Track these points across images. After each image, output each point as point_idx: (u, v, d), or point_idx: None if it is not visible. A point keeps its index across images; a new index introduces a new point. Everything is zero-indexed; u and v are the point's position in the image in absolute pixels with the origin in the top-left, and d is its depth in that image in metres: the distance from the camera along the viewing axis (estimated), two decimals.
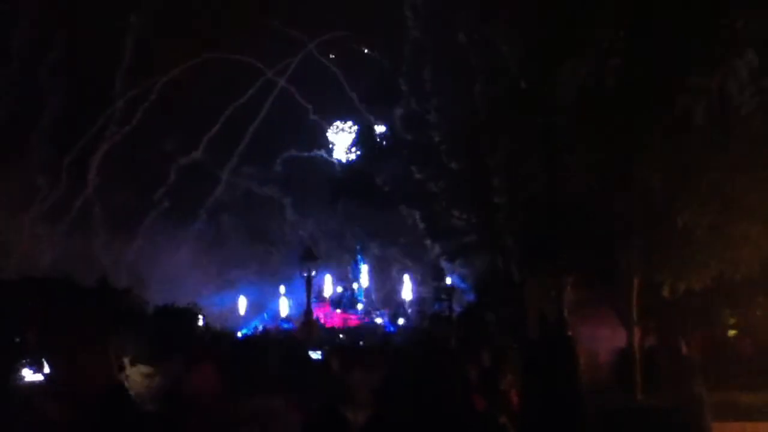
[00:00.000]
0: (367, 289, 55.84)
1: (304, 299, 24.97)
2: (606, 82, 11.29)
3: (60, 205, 52.36)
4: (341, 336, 37.00)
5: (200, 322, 44.20)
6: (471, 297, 40.44)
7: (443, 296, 34.21)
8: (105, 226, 52.93)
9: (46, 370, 10.84)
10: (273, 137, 55.24)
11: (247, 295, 57.06)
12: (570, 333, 15.07)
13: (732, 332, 19.98)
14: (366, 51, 51.12)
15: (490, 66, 19.05)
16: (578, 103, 11.41)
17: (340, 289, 55.98)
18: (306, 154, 55.36)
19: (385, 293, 56.50)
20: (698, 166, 12.02)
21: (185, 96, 50.41)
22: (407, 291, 54.91)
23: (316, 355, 19.13)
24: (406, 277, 56.16)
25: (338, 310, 53.81)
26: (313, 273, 22.41)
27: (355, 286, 55.61)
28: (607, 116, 11.71)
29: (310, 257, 20.55)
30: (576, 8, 10.35)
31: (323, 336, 39.96)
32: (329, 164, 54.67)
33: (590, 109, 11.39)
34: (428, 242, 30.98)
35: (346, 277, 56.35)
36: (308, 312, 22.51)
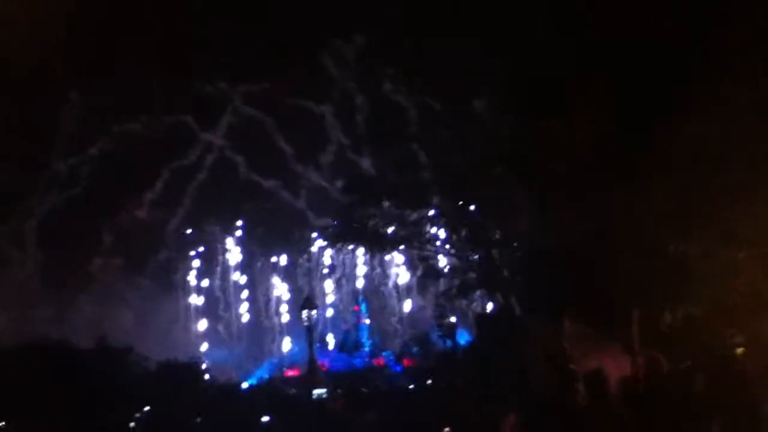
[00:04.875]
0: (371, 330, 55.59)
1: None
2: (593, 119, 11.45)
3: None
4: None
5: (204, 375, 43.87)
6: (472, 334, 40.23)
7: (446, 333, 33.98)
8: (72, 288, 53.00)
9: None
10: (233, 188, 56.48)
11: (248, 342, 56.95)
12: (573, 366, 15.05)
13: (740, 350, 19.80)
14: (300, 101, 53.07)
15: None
16: (564, 146, 11.58)
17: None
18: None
19: (389, 333, 56.35)
20: (686, 196, 12.14)
21: (125, 158, 52.15)
22: (410, 330, 54.76)
23: (320, 390, 18.96)
24: (409, 315, 56.13)
25: (343, 354, 53.48)
26: (314, 318, 22.32)
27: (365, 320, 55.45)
28: (594, 153, 11.87)
29: (310, 305, 20.48)
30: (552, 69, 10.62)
31: (327, 381, 39.62)
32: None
33: (577, 149, 11.57)
34: (428, 281, 30.92)
35: (349, 320, 56.22)
36: (311, 360, 22.39)
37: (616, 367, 17.71)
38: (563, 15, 11.76)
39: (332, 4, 48.42)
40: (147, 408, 34.27)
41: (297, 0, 50.40)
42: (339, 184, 51.01)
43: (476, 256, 21.29)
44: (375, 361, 52.29)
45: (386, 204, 21.04)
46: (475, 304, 37.33)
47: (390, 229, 21.65)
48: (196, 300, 57.60)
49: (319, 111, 56.08)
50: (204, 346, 54.70)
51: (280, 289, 58.28)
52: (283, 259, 58.46)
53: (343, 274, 58.63)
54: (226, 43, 50.02)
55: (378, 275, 57.96)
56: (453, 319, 31.36)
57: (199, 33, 49.34)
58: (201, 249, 58.38)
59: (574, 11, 11.75)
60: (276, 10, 49.89)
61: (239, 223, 58.66)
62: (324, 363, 48.46)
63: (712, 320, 16.78)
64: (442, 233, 23.12)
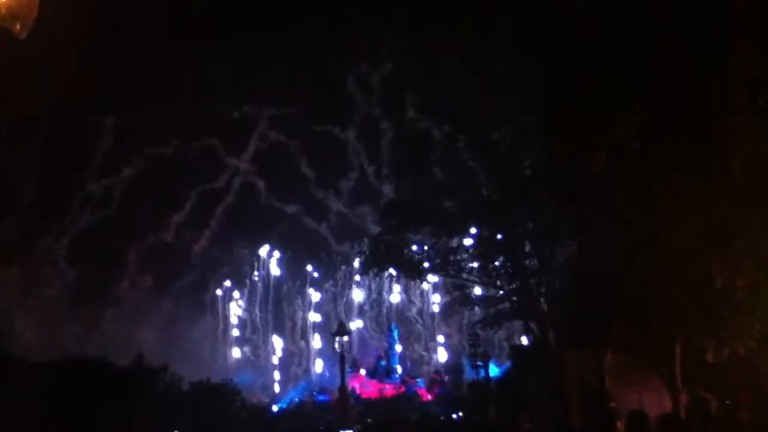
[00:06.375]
0: (402, 356, 55.15)
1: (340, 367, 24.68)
2: (630, 148, 11.30)
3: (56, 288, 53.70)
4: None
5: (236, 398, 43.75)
6: (501, 365, 39.56)
7: (479, 363, 33.51)
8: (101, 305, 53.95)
9: None
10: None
11: (277, 364, 57.03)
12: (613, 404, 14.72)
13: None
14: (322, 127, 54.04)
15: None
16: (604, 176, 11.41)
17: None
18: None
19: (421, 360, 55.90)
20: (731, 226, 11.81)
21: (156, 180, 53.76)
22: (443, 358, 54.22)
23: None
24: (442, 344, 55.62)
25: (374, 380, 53.01)
26: (347, 346, 22.12)
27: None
28: (636, 185, 11.67)
29: (342, 332, 20.34)
30: (587, 99, 10.52)
31: (358, 410, 39.26)
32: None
33: (617, 181, 11.38)
34: (462, 309, 30.61)
35: (380, 346, 55.89)
36: (343, 388, 22.18)
37: (656, 404, 17.25)
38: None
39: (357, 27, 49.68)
40: None
41: (323, 26, 51.71)
42: (369, 210, 51.59)
43: (511, 286, 21.00)
44: (406, 389, 51.72)
45: (424, 229, 20.98)
46: (500, 333, 36.78)
47: (425, 257, 21.56)
48: (225, 321, 58.06)
49: (345, 137, 57.32)
50: (234, 367, 54.94)
51: (310, 312, 58.41)
52: (315, 291, 58.81)
53: (375, 300, 58.52)
54: (252, 68, 51.55)
55: (410, 302, 57.70)
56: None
57: (225, 57, 50.88)
58: (230, 271, 59.03)
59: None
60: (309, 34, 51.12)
61: (266, 247, 59.35)
62: (355, 386, 48.10)
63: (758, 357, 16.23)
64: (476, 262, 22.89)
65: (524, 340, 31.11)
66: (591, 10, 11.75)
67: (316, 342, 56.71)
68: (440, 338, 56.30)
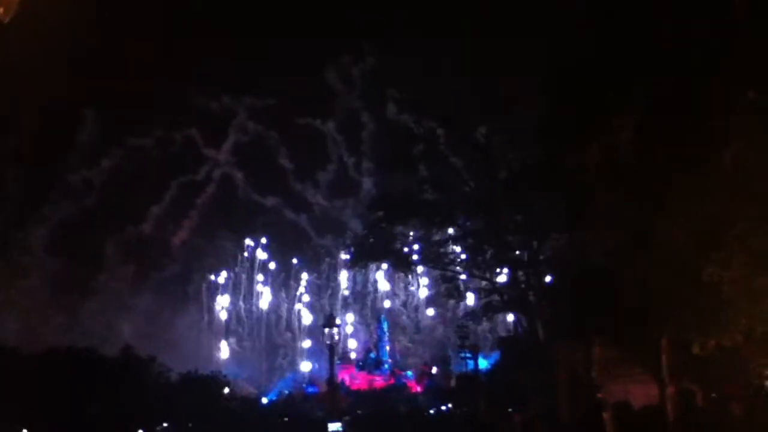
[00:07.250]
0: (391, 348, 55.27)
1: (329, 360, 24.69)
2: (621, 142, 11.27)
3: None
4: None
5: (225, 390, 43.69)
6: (489, 357, 39.70)
7: (468, 354, 33.60)
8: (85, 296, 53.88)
9: None
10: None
11: (266, 356, 57.01)
12: (600, 395, 14.81)
13: None
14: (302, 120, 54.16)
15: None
16: (595, 168, 11.37)
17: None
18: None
19: (410, 351, 56.03)
20: (721, 220, 11.83)
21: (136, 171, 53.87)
22: (429, 349, 54.37)
23: (335, 426, 18.91)
24: (428, 335, 55.79)
25: (364, 371, 53.09)
26: (336, 338, 22.15)
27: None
28: (626, 176, 11.65)
29: (331, 324, 20.34)
30: (584, 90, 10.50)
31: (348, 402, 39.28)
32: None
33: (609, 172, 11.35)
34: (446, 301, 30.69)
35: (370, 337, 56.00)
36: (332, 379, 22.20)
37: (643, 395, 17.36)
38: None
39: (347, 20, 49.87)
40: (165, 425, 34.23)
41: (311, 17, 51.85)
42: (351, 203, 51.60)
43: (499, 278, 21.06)
44: (395, 381, 51.88)
45: (413, 222, 20.99)
46: (484, 325, 36.91)
47: (415, 248, 21.58)
48: (210, 313, 57.98)
49: (327, 129, 57.54)
50: (222, 358, 54.91)
51: (298, 304, 58.42)
52: (304, 277, 58.75)
53: (363, 292, 58.55)
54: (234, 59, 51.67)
55: (398, 295, 57.76)
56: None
57: (206, 49, 50.98)
58: (215, 262, 58.94)
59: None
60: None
61: (249, 241, 59.34)
62: (345, 378, 48.16)
63: (745, 349, 16.33)
64: (465, 254, 22.89)
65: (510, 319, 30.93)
66: (591, 9, 11.72)
67: (304, 335, 56.84)
68: (428, 330, 56.50)
